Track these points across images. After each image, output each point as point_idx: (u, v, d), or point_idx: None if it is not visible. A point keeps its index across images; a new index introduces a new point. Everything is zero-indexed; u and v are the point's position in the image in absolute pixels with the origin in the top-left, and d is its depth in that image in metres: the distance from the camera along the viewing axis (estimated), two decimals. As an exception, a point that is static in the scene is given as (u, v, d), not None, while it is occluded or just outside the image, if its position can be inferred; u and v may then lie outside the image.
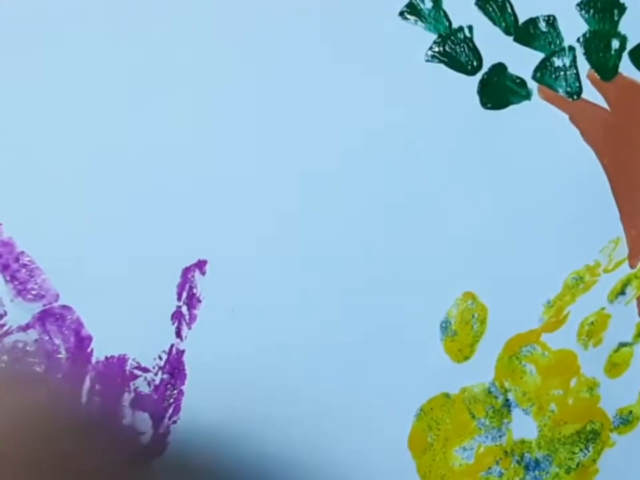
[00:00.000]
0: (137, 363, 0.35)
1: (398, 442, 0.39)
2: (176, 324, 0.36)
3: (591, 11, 0.42)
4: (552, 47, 0.41)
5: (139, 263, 0.35)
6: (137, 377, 0.35)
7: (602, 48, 0.42)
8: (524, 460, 0.41)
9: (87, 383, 0.34)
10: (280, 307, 0.37)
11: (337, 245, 0.38)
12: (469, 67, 0.40)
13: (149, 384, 0.35)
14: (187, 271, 0.36)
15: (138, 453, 0.35)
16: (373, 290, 0.38)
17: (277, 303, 0.37)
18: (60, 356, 0.34)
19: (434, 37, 0.39)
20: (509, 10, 0.40)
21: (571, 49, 0.41)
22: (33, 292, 0.34)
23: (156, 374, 0.35)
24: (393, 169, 0.38)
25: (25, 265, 0.34)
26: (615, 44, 0.42)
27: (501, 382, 0.40)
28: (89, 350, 0.34)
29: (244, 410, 0.36)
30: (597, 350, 0.42)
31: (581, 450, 0.42)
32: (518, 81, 0.41)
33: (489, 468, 0.40)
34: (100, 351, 0.35)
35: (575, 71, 0.41)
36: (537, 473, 0.41)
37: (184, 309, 0.36)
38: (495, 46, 0.40)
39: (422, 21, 0.39)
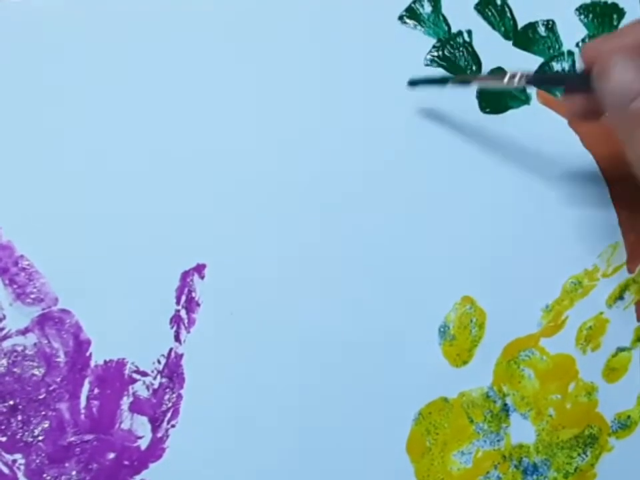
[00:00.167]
0: (136, 366, 0.35)
1: (396, 446, 0.39)
2: (175, 328, 0.36)
3: (590, 15, 0.42)
4: (551, 51, 0.41)
5: (138, 267, 0.35)
6: (135, 380, 0.35)
7: (601, 52, 0.42)
8: (522, 464, 0.41)
9: (86, 387, 0.35)
10: (278, 311, 0.37)
11: (336, 249, 0.38)
12: (468, 72, 0.40)
13: (147, 388, 0.35)
14: (185, 275, 0.36)
15: (136, 457, 0.35)
16: (372, 294, 0.38)
17: (275, 307, 0.37)
18: (59, 360, 0.34)
19: (433, 41, 0.39)
20: (508, 14, 0.40)
21: (570, 53, 0.41)
22: (32, 296, 0.34)
23: (155, 378, 0.35)
24: (392, 173, 0.39)
25: (24, 269, 0.34)
26: (614, 48, 0.42)
27: (499, 386, 0.40)
28: (87, 354, 0.35)
29: (242, 413, 0.36)
30: (595, 354, 0.42)
31: (579, 454, 0.41)
32: (517, 85, 0.41)
33: (487, 472, 0.40)
34: (99, 354, 0.35)
35: (573, 76, 0.41)
36: (535, 477, 0.41)
37: (183, 313, 0.36)
38: (494, 50, 0.40)
39: (421, 25, 0.39)
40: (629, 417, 0.42)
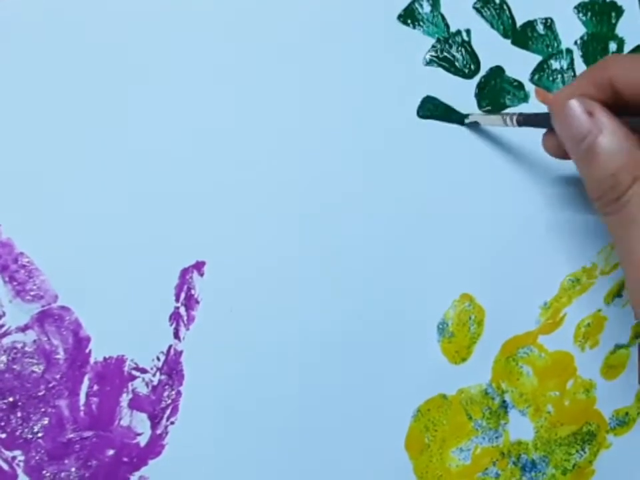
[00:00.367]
0: (135, 363, 0.35)
1: (395, 443, 0.39)
2: (174, 325, 0.36)
3: (589, 13, 0.42)
4: (549, 49, 0.41)
5: (137, 263, 0.35)
6: (135, 377, 0.35)
7: (599, 50, 0.42)
8: (520, 461, 0.41)
9: (85, 384, 0.35)
10: (278, 308, 0.37)
11: (334, 247, 0.38)
12: (467, 71, 0.40)
13: (147, 385, 0.35)
14: (185, 272, 0.36)
15: (136, 454, 0.35)
16: (370, 291, 0.38)
17: (275, 304, 0.37)
18: (58, 357, 0.34)
19: (432, 40, 0.39)
20: (507, 13, 0.40)
21: (569, 51, 0.42)
22: (32, 293, 0.34)
23: (154, 375, 0.35)
24: (391, 172, 0.39)
25: (23, 266, 0.34)
26: (613, 46, 0.42)
27: (497, 383, 0.40)
28: (87, 351, 0.35)
29: (242, 410, 0.36)
30: (594, 352, 0.42)
31: (577, 451, 0.42)
32: (515, 83, 0.41)
33: (486, 469, 0.40)
34: (98, 351, 0.35)
35: (572, 74, 0.42)
36: (533, 474, 0.41)
37: (182, 310, 0.36)
38: (493, 49, 0.40)
39: (420, 25, 0.39)
40: (627, 413, 0.42)
